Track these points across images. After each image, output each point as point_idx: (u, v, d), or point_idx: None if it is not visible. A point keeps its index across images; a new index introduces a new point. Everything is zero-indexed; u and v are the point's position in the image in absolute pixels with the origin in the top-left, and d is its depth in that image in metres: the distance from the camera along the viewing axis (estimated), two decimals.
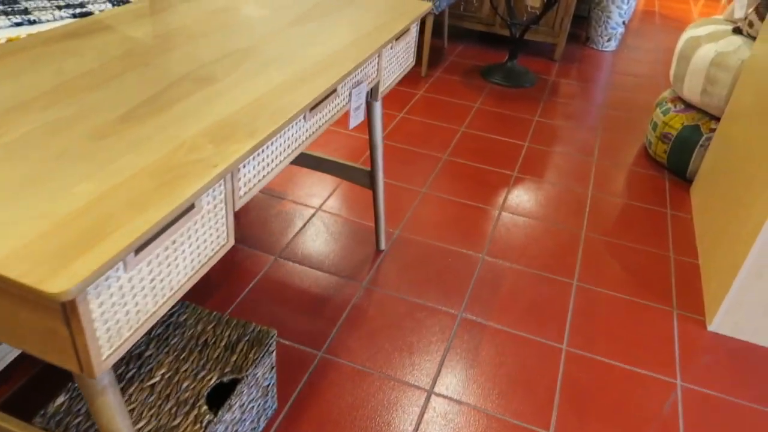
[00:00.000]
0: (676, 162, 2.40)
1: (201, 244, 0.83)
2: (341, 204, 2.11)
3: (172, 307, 1.31)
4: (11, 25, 1.18)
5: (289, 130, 1.00)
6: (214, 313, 1.30)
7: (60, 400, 1.10)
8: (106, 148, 0.80)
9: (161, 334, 1.25)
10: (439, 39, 3.71)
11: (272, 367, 1.30)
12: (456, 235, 2.00)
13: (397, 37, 1.41)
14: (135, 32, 1.17)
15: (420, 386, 1.47)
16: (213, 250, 0.87)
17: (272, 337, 1.26)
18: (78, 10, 1.27)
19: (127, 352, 1.20)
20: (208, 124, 0.88)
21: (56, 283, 0.58)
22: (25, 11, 1.23)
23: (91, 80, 0.97)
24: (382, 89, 1.42)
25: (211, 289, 1.70)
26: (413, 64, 1.62)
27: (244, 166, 0.89)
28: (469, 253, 1.92)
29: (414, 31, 1.54)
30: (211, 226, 0.84)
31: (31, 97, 0.90)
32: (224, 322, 1.28)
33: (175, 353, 1.21)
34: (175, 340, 1.24)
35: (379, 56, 1.33)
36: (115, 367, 1.17)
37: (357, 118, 1.28)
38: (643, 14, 4.70)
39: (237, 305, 1.65)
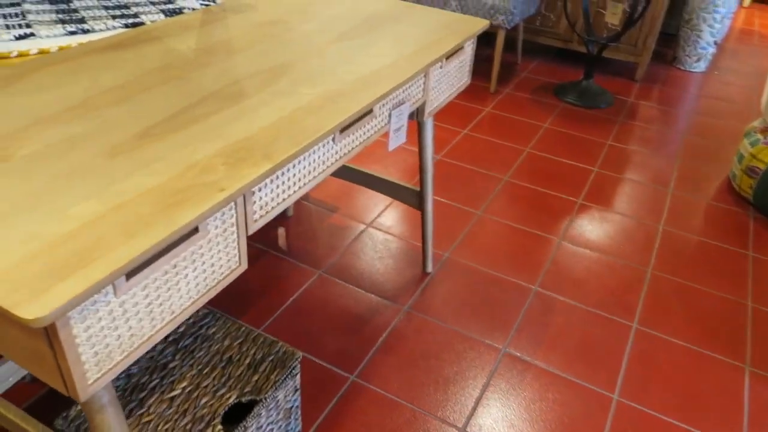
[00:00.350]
0: (762, 198, 2.18)
1: (208, 268, 0.81)
2: (392, 222, 2.06)
3: (203, 318, 1.31)
4: (65, 34, 1.22)
5: (315, 152, 0.96)
6: (243, 327, 1.28)
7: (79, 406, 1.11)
8: (117, 166, 0.79)
9: (188, 346, 1.24)
10: (512, 54, 3.60)
11: (296, 390, 1.26)
12: (509, 262, 1.91)
13: (448, 56, 1.35)
14: (179, 44, 1.17)
15: (452, 423, 1.40)
16: (222, 274, 0.84)
17: (296, 359, 1.22)
18: (131, 21, 1.29)
19: (153, 360, 1.20)
20: (226, 145, 0.85)
21: (32, 309, 0.57)
22: (82, 20, 1.27)
23: (121, 94, 0.97)
24: (430, 109, 1.36)
25: (251, 300, 1.69)
26: (468, 83, 1.55)
27: (259, 190, 0.86)
28: (520, 283, 1.82)
29: (469, 49, 1.47)
30: (220, 250, 0.82)
31: (59, 110, 0.91)
32: (251, 338, 1.26)
33: (199, 367, 1.20)
34: (201, 353, 1.23)
35: (426, 76, 1.27)
36: (139, 376, 1.17)
37: (397, 140, 1.22)
38: (740, 33, 4.36)
39: (275, 318, 1.64)
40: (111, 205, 0.72)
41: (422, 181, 1.67)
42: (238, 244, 0.85)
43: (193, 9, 1.41)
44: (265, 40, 1.24)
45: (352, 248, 1.93)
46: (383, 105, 1.13)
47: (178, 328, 1.28)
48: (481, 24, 1.44)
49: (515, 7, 2.83)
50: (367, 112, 1.07)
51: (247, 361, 1.22)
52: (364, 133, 1.10)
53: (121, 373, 1.17)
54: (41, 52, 1.15)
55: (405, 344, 1.59)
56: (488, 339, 1.62)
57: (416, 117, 1.36)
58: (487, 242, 1.99)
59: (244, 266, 0.88)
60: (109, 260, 0.63)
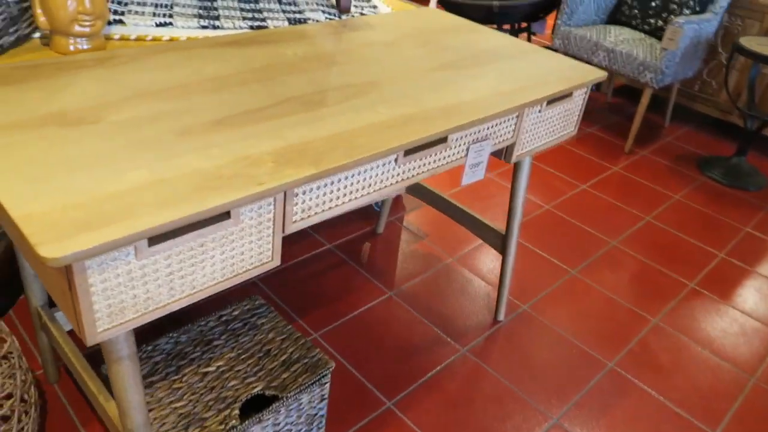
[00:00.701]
0: None
1: (237, 255, 0.85)
2: (479, 262, 2.01)
3: (257, 307, 1.37)
4: (198, 27, 1.35)
5: (372, 169, 0.97)
6: (290, 326, 1.32)
7: None
8: (181, 145, 0.86)
9: (236, 330, 1.31)
10: (659, 115, 3.37)
11: (323, 398, 1.27)
12: (589, 330, 1.78)
13: (550, 101, 1.30)
14: (287, 50, 1.25)
15: None
16: (252, 264, 0.88)
17: (328, 368, 1.24)
18: (257, 23, 1.40)
19: (201, 334, 1.28)
20: (284, 145, 0.90)
21: (51, 249, 0.64)
22: (216, 17, 1.40)
23: (217, 84, 1.06)
24: (519, 153, 1.32)
25: (319, 303, 1.74)
26: (573, 134, 1.48)
27: (303, 193, 0.89)
28: (595, 356, 1.69)
29: (579, 98, 1.41)
30: (252, 241, 0.86)
31: (159, 89, 1.01)
32: (294, 338, 1.30)
33: (239, 352, 1.26)
34: (245, 339, 1.29)
35: (519, 117, 1.24)
36: (185, 345, 1.25)
37: (473, 176, 1.20)
38: None
39: (335, 326, 1.67)
40: (159, 177, 0.78)
41: (508, 226, 1.62)
42: (273, 239, 0.88)
43: (317, 21, 1.50)
44: (368, 58, 1.28)
45: (430, 278, 1.91)
46: (461, 137, 1.12)
47: (233, 310, 1.35)
48: (594, 74, 1.37)
49: (668, 66, 2.66)
50: (439, 141, 1.07)
51: (283, 357, 1.26)
52: (435, 161, 1.10)
53: (170, 338, 1.26)
54: (171, 39, 1.29)
55: (452, 385, 1.54)
56: (542, 405, 1.52)
57: (503, 157, 1.33)
58: (572, 304, 1.87)
59: (277, 262, 0.91)
60: (133, 224, 0.69)
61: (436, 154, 1.09)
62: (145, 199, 0.74)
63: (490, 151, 1.21)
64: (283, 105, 1.02)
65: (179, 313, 1.65)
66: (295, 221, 0.91)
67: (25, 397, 1.18)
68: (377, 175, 0.99)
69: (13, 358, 1.13)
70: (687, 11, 2.87)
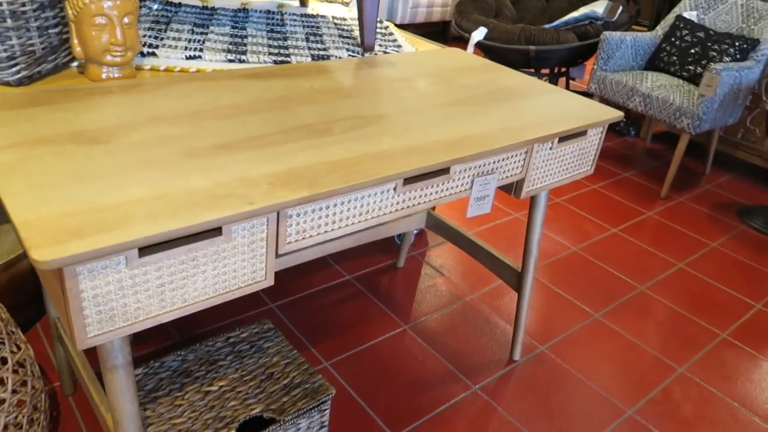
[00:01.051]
0: None
1: (230, 272, 0.88)
2: (499, 300, 1.99)
3: (265, 331, 1.39)
4: (225, 60, 1.42)
5: (370, 196, 1.00)
6: (295, 351, 1.34)
7: (137, 371, 1.25)
8: (185, 166, 0.91)
9: (242, 352, 1.33)
10: (700, 162, 3.29)
11: (322, 425, 1.27)
12: (609, 375, 1.72)
13: (561, 139, 1.30)
14: (303, 83, 1.31)
15: None
16: (245, 282, 0.91)
17: (328, 395, 1.24)
18: (280, 59, 1.47)
19: (208, 354, 1.31)
20: (283, 168, 0.93)
21: (43, 253, 0.68)
22: (243, 52, 1.47)
23: (230, 112, 1.11)
24: (529, 189, 1.32)
25: (332, 332, 1.75)
26: (589, 172, 1.47)
27: (299, 215, 0.92)
28: (614, 402, 1.63)
29: (595, 137, 1.41)
30: (245, 259, 0.88)
31: (174, 114, 1.07)
32: (297, 363, 1.31)
33: (242, 373, 1.28)
34: (250, 361, 1.31)
35: (528, 153, 1.25)
36: (191, 363, 1.28)
37: (478, 209, 1.21)
38: None
39: (346, 356, 1.67)
40: (157, 193, 0.83)
41: (524, 263, 1.60)
42: (266, 259, 0.91)
43: (340, 58, 1.56)
44: (381, 92, 1.32)
45: (447, 314, 1.89)
46: (465, 170, 1.13)
47: (241, 333, 1.38)
48: (610, 115, 1.37)
49: (705, 113, 2.61)
50: (441, 172, 1.08)
51: (285, 381, 1.27)
52: (437, 192, 1.11)
53: (177, 356, 1.29)
54: (198, 70, 1.37)
55: (460, 423, 1.51)
56: None
57: (513, 192, 1.33)
58: (593, 348, 1.82)
59: (270, 282, 0.94)
60: (123, 233, 0.73)
61: (437, 185, 1.10)
62: (140, 212, 0.78)
63: (497, 185, 1.22)
64: (290, 132, 1.06)
65: (190, 333, 1.69)
66: (290, 242, 0.93)
67: (38, 405, 1.22)
68: (375, 202, 1.01)
69: (27, 366, 1.18)
70: (727, 59, 2.83)
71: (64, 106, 1.06)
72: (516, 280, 1.65)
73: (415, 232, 2.28)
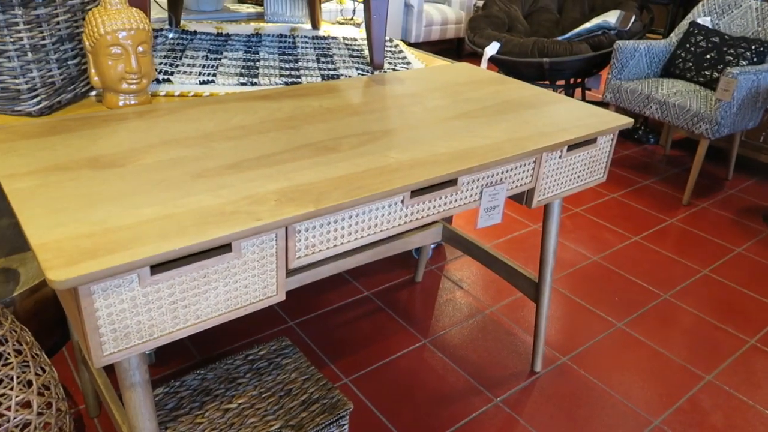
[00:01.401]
0: None
1: (241, 288, 0.90)
2: (518, 312, 1.97)
3: (283, 348, 1.40)
4: (237, 84, 1.46)
5: (378, 209, 1.01)
6: (312, 367, 1.35)
7: (158, 390, 1.27)
8: (195, 186, 0.93)
9: (261, 369, 1.34)
10: (722, 168, 3.24)
11: None
12: (635, 385, 1.69)
13: (570, 147, 1.30)
14: (312, 102, 1.33)
15: None
16: (257, 297, 0.92)
17: (346, 410, 1.25)
18: (291, 80, 1.50)
19: (227, 372, 1.33)
20: (290, 185, 0.95)
21: (57, 273, 0.71)
22: (255, 75, 1.51)
23: (240, 133, 1.14)
24: (540, 198, 1.32)
25: (352, 349, 1.75)
26: (602, 180, 1.46)
27: (307, 230, 0.93)
28: (639, 412, 1.60)
29: (605, 144, 1.40)
30: (255, 275, 0.90)
31: (185, 137, 1.11)
32: (315, 379, 1.32)
33: (261, 390, 1.29)
34: (268, 378, 1.32)
35: (537, 162, 1.25)
36: (211, 381, 1.30)
37: (488, 220, 1.21)
38: None
39: (366, 372, 1.67)
40: (168, 213, 0.85)
41: (540, 273, 1.59)
42: (277, 274, 0.93)
43: (350, 77, 1.58)
44: (389, 108, 1.34)
45: (466, 327, 1.89)
46: (473, 180, 1.14)
47: (259, 350, 1.39)
48: (619, 121, 1.37)
49: (724, 118, 2.58)
50: (448, 184, 1.09)
51: (303, 397, 1.27)
52: (446, 203, 1.12)
53: (197, 375, 1.31)
54: (211, 94, 1.41)
55: None
56: None
57: (524, 202, 1.33)
58: (616, 358, 1.79)
59: (281, 297, 0.95)
60: (135, 252, 0.75)
61: (446, 197, 1.11)
62: (151, 232, 0.80)
63: (506, 195, 1.22)
64: (298, 151, 1.09)
65: (211, 352, 1.71)
66: (299, 257, 0.95)
67: (63, 427, 1.25)
68: (383, 215, 1.03)
69: (51, 388, 1.21)
70: (744, 62, 2.80)
71: (80, 134, 1.10)
72: (533, 291, 1.64)
73: (432, 246, 2.28)
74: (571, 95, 3.97)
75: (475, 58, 5.43)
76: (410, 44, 4.99)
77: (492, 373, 1.70)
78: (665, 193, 2.90)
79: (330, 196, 0.93)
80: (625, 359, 1.79)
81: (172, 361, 1.67)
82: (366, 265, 2.17)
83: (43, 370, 1.22)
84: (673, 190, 2.94)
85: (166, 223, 0.83)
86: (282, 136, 1.15)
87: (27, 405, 1.17)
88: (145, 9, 1.44)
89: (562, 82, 3.68)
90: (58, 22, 1.24)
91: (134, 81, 1.27)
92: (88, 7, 1.33)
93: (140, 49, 1.26)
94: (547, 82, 3.56)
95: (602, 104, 4.04)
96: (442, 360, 1.74)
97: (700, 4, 3.13)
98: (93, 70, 1.26)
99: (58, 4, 1.23)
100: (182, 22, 2.06)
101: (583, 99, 3.80)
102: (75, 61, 1.31)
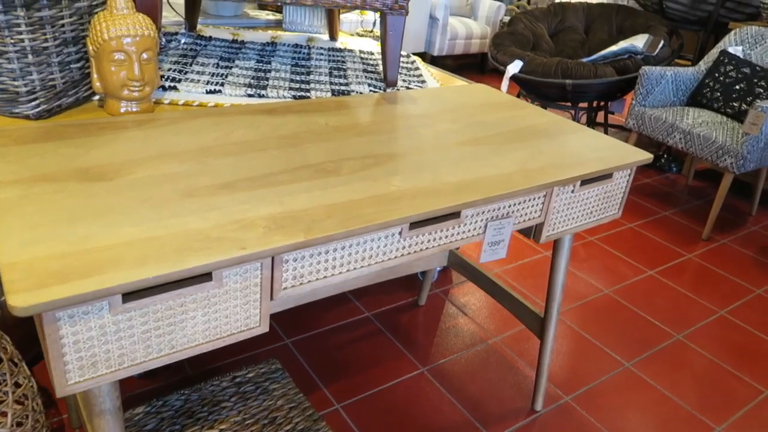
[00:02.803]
0: None
1: (221, 318, 0.85)
2: (523, 344, 1.90)
3: (273, 372, 1.35)
4: (244, 95, 1.42)
5: (373, 241, 0.96)
6: (300, 395, 1.30)
7: (138, 409, 1.22)
8: (183, 206, 0.89)
9: (247, 393, 1.30)
10: (746, 202, 3.13)
11: None
12: (638, 431, 1.61)
13: (585, 182, 1.24)
14: (318, 119, 1.29)
15: None
16: (237, 328, 0.87)
17: None
18: (300, 93, 1.46)
19: (212, 394, 1.28)
20: (282, 210, 0.90)
21: (21, 298, 0.66)
22: (264, 87, 1.47)
23: (238, 149, 1.10)
24: (549, 233, 1.26)
25: (346, 373, 1.70)
26: (617, 216, 1.39)
27: (296, 260, 0.88)
28: None
29: (622, 180, 1.34)
30: (237, 305, 0.85)
31: (181, 150, 1.06)
32: (302, 408, 1.27)
33: (245, 416, 1.24)
34: (254, 404, 1.27)
35: (546, 196, 1.19)
36: (194, 403, 1.25)
37: (492, 255, 1.15)
38: None
39: (359, 399, 1.61)
40: (150, 235, 0.81)
41: (547, 308, 1.53)
42: (261, 305, 0.88)
43: (361, 93, 1.54)
44: (397, 130, 1.29)
45: (467, 357, 1.82)
46: (478, 213, 1.08)
47: (248, 372, 1.34)
48: (638, 156, 1.30)
49: (750, 152, 2.49)
50: (451, 216, 1.04)
51: (287, 427, 1.22)
52: (447, 236, 1.06)
53: (181, 395, 1.27)
54: (216, 105, 1.37)
55: None
56: None
57: (533, 236, 1.27)
58: (621, 400, 1.71)
59: (265, 328, 0.90)
60: (107, 278, 0.71)
61: (447, 230, 1.06)
62: (129, 255, 0.76)
63: (513, 229, 1.16)
64: (296, 172, 1.04)
65: (203, 367, 1.66)
66: (285, 288, 0.90)
67: None
68: (379, 246, 0.97)
69: (29, 399, 1.17)
70: None
71: (75, 141, 1.06)
72: (539, 326, 1.57)
73: (438, 268, 2.22)
74: (594, 118, 3.89)
75: (497, 74, 5.37)
76: (433, 57, 4.94)
77: (490, 409, 1.63)
78: (685, 226, 2.81)
79: (322, 225, 0.88)
80: (632, 402, 1.71)
81: (160, 375, 1.63)
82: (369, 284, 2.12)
83: (22, 381, 1.18)
84: (694, 223, 2.85)
85: (147, 246, 0.78)
86: (282, 154, 1.10)
87: (3, 415, 1.13)
88: (155, 14, 1.40)
89: (584, 105, 3.60)
90: (62, 25, 1.21)
91: (136, 88, 1.23)
92: (96, 10, 1.30)
93: (144, 56, 1.22)
94: (569, 104, 3.48)
95: (625, 129, 3.96)
96: (440, 391, 1.68)
97: (732, 32, 3.04)
98: (95, 75, 1.23)
99: (64, 6, 1.20)
100: (199, 27, 2.04)
101: (606, 122, 3.71)
102: (78, 65, 1.27)
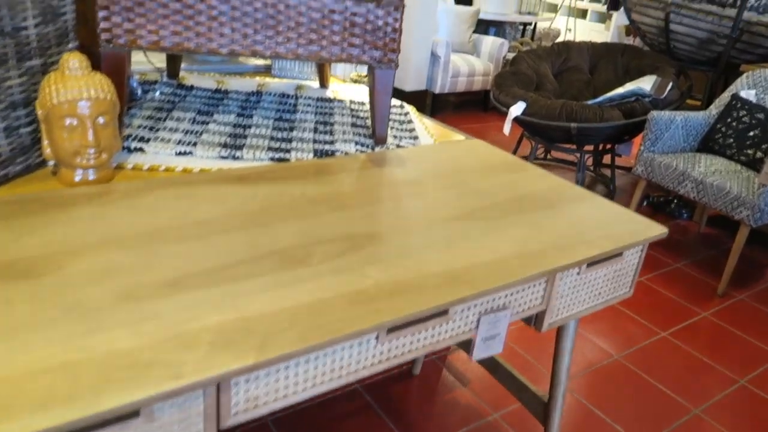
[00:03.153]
0: None
1: None
2: (525, 420, 1.74)
3: None
4: (216, 157, 1.30)
5: (343, 350, 0.81)
6: None
7: None
8: (115, 314, 0.75)
9: None
10: (763, 253, 2.97)
11: None
12: None
13: (590, 263, 1.10)
14: (295, 188, 1.16)
15: None
16: None
17: None
18: (278, 155, 1.33)
19: None
20: (234, 318, 0.76)
21: None
22: (240, 147, 1.35)
23: (196, 232, 0.97)
24: (551, 320, 1.11)
25: None
26: (628, 295, 1.25)
27: (247, 381, 0.74)
28: None
29: (633, 257, 1.19)
30: None
31: (130, 234, 0.93)
32: None
33: None
34: None
35: (549, 282, 1.05)
36: None
37: (486, 350, 1.01)
38: None
39: None
40: (65, 359, 0.67)
41: (551, 395, 1.37)
42: None
43: (347, 153, 1.41)
44: (381, 201, 1.16)
45: None
46: (468, 308, 0.94)
47: None
48: (651, 233, 1.16)
49: (767, 204, 2.34)
50: (438, 315, 0.90)
51: None
52: (433, 335, 0.92)
53: None
54: (185, 170, 1.25)
55: None
56: None
57: (534, 324, 1.12)
58: None
59: None
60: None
61: (434, 327, 0.91)
62: (33, 391, 0.62)
63: (509, 321, 1.02)
64: (259, 261, 0.90)
65: None
66: (236, 413, 0.75)
67: None
68: (351, 356, 0.83)
69: None
70: None
71: (9, 224, 0.93)
72: (542, 412, 1.41)
73: None
74: (600, 160, 3.76)
75: (501, 112, 5.27)
76: (435, 95, 4.85)
77: None
78: (698, 280, 2.65)
79: (279, 339, 0.74)
80: None
81: None
82: None
83: None
84: (708, 276, 2.69)
85: (58, 376, 0.64)
86: (245, 238, 0.97)
87: None
88: (122, 72, 1.29)
89: (590, 148, 3.48)
90: (10, 86, 1.09)
91: (91, 156, 1.11)
92: (51, 69, 1.18)
93: (101, 120, 1.10)
94: (574, 146, 3.36)
95: (632, 172, 3.83)
96: None
97: (744, 75, 2.93)
98: (46, 141, 1.11)
99: (11, 66, 1.08)
100: (182, 74, 1.93)
101: (613, 164, 3.58)
102: (29, 129, 1.16)
